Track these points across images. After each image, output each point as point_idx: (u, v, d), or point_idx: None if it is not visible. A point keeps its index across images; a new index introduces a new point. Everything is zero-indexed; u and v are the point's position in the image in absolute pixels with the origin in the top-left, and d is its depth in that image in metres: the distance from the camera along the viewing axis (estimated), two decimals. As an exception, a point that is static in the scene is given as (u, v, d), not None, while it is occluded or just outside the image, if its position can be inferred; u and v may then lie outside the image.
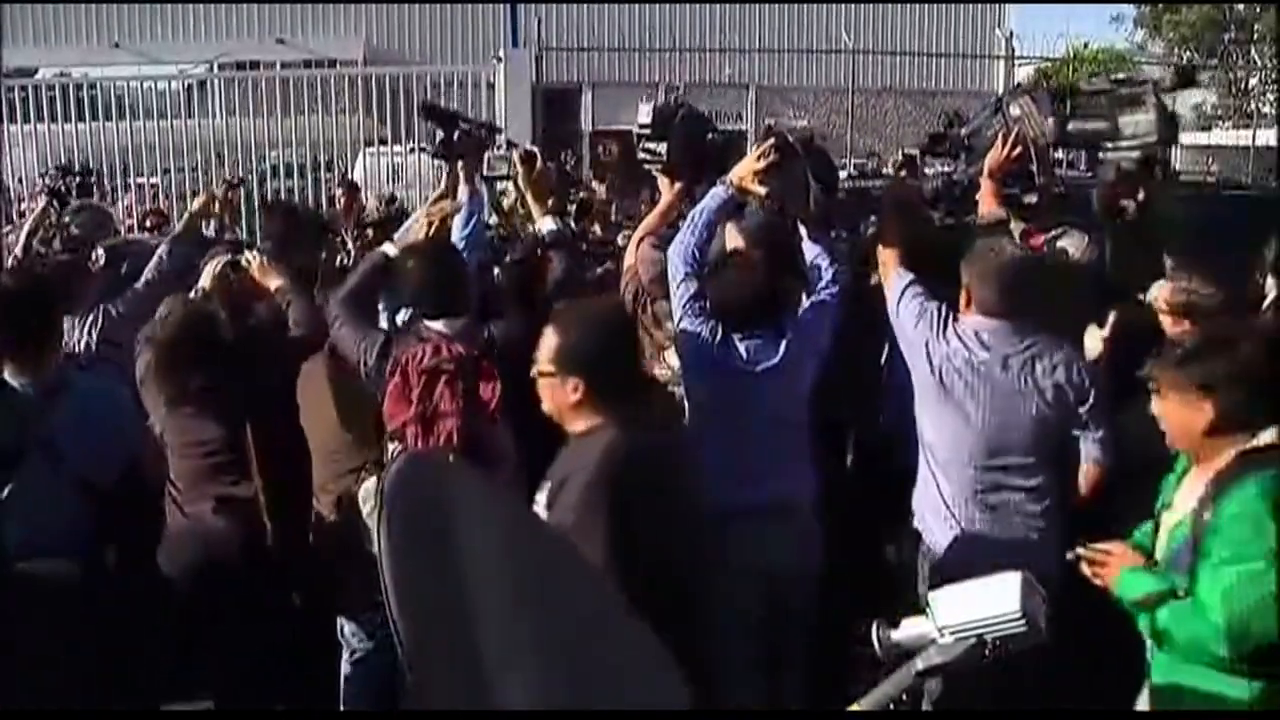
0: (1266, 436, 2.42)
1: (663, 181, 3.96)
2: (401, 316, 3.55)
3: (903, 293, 3.31)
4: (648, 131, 3.84)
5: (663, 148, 3.80)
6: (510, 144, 4.15)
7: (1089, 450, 3.17)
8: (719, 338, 3.28)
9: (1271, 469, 2.34)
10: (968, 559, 3.08)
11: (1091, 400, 3.11)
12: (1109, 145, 3.54)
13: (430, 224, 3.73)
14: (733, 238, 3.70)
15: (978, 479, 3.14)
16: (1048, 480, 3.16)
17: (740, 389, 3.27)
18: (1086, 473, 3.19)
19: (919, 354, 3.22)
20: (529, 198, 3.90)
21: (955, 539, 3.17)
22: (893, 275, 3.36)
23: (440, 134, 4.13)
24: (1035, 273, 3.12)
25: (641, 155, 3.88)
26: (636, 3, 21.00)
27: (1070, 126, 3.67)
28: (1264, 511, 2.29)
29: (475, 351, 3.05)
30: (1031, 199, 3.83)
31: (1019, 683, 2.88)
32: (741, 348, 3.29)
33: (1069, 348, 3.17)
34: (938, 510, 3.21)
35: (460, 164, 4.13)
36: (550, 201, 4.06)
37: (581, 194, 5.99)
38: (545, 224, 3.81)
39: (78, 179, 6.00)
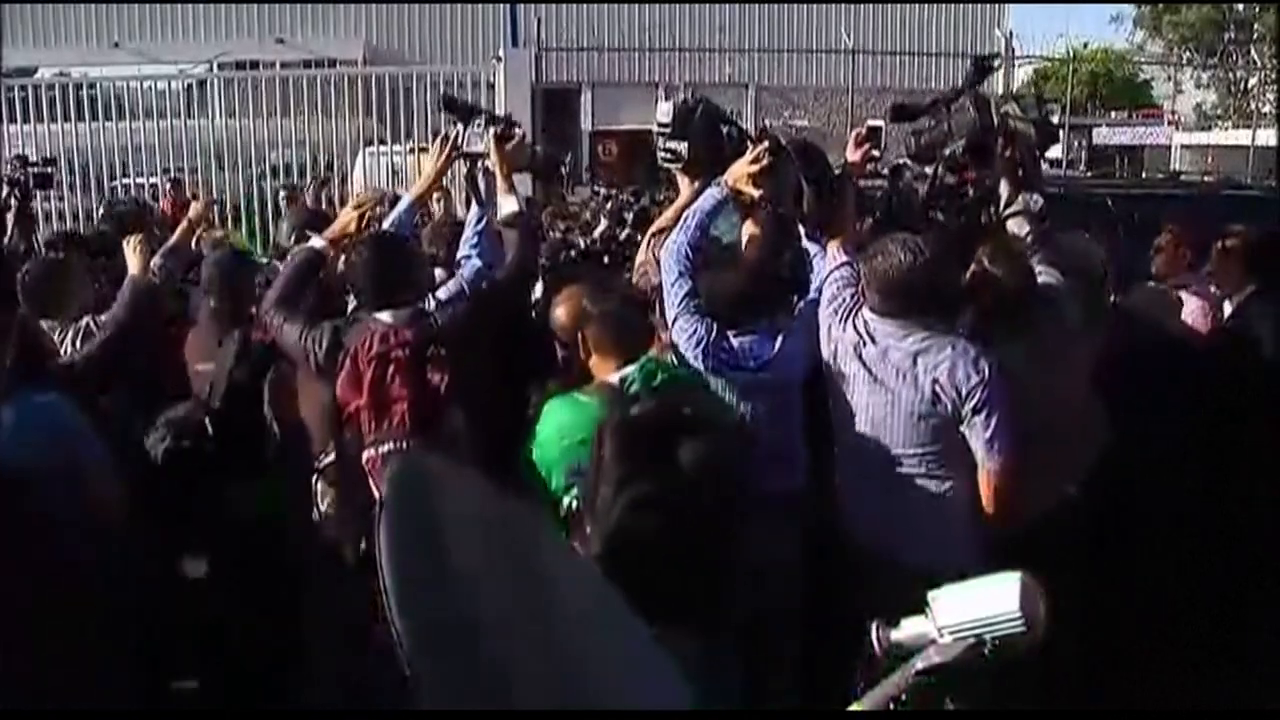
0: (615, 375, 2.94)
1: (682, 180, 3.95)
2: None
3: (830, 273, 3.34)
4: (668, 130, 3.83)
5: (682, 146, 3.79)
6: (490, 119, 4.07)
7: (974, 448, 3.08)
8: (714, 335, 3.28)
9: (573, 394, 2.92)
10: (874, 544, 3.12)
11: (976, 399, 3.03)
12: (946, 147, 3.61)
13: (361, 217, 3.71)
14: (749, 231, 3.70)
15: (871, 465, 3.15)
16: (942, 475, 3.11)
17: (736, 386, 3.27)
18: (980, 473, 3.10)
19: (824, 336, 3.26)
20: (496, 173, 3.78)
21: (861, 524, 3.18)
22: (830, 254, 3.39)
23: (460, 128, 4.07)
24: (919, 275, 3.06)
25: (661, 154, 3.87)
26: (636, 2, 21.03)
27: (923, 140, 3.72)
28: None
29: (423, 338, 3.08)
30: (1019, 206, 3.82)
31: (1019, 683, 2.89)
32: (737, 345, 3.29)
33: (963, 345, 3.09)
34: (842, 491, 3.24)
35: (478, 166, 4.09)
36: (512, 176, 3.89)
37: (641, 203, 5.85)
38: (507, 203, 3.71)
39: (35, 169, 5.87)
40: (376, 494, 2.99)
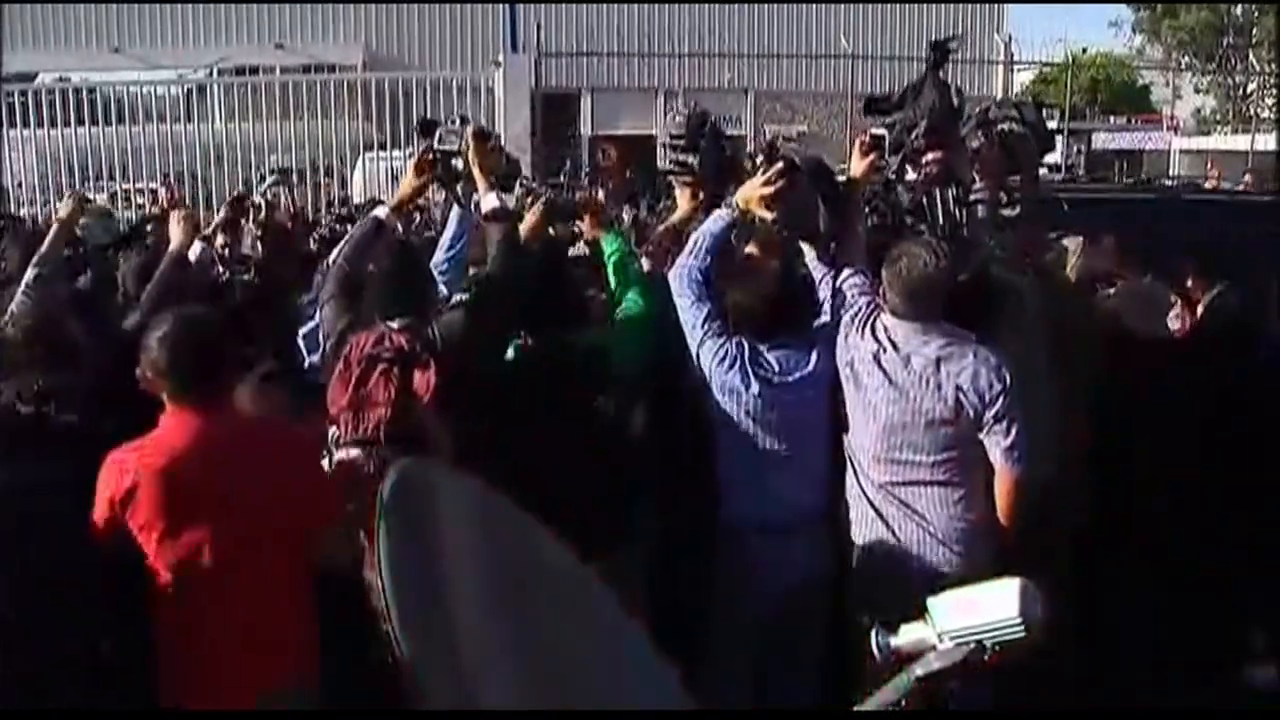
0: None
1: (684, 192, 3.92)
2: None
3: (843, 282, 3.30)
4: (681, 143, 3.80)
5: (693, 159, 3.77)
6: (463, 120, 4.03)
7: (993, 457, 3.07)
8: (747, 353, 3.22)
9: None
10: (882, 551, 3.12)
11: (998, 406, 3.02)
12: (912, 133, 3.58)
13: (419, 173, 3.72)
14: (752, 249, 3.67)
15: (884, 472, 3.13)
16: (958, 482, 3.10)
17: (772, 402, 3.20)
18: (997, 481, 3.09)
19: (841, 344, 3.22)
20: (475, 173, 3.71)
21: (871, 530, 3.17)
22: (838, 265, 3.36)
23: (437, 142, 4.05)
24: (941, 282, 3.06)
25: (670, 166, 3.85)
26: (636, 3, 21.02)
27: (895, 131, 3.69)
28: None
29: (416, 344, 3.06)
30: (1010, 211, 3.80)
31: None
32: (772, 359, 3.23)
33: (984, 352, 3.06)
34: (856, 499, 3.21)
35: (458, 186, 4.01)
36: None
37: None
38: (488, 199, 3.63)
39: None
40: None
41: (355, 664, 2.69)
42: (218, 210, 5.43)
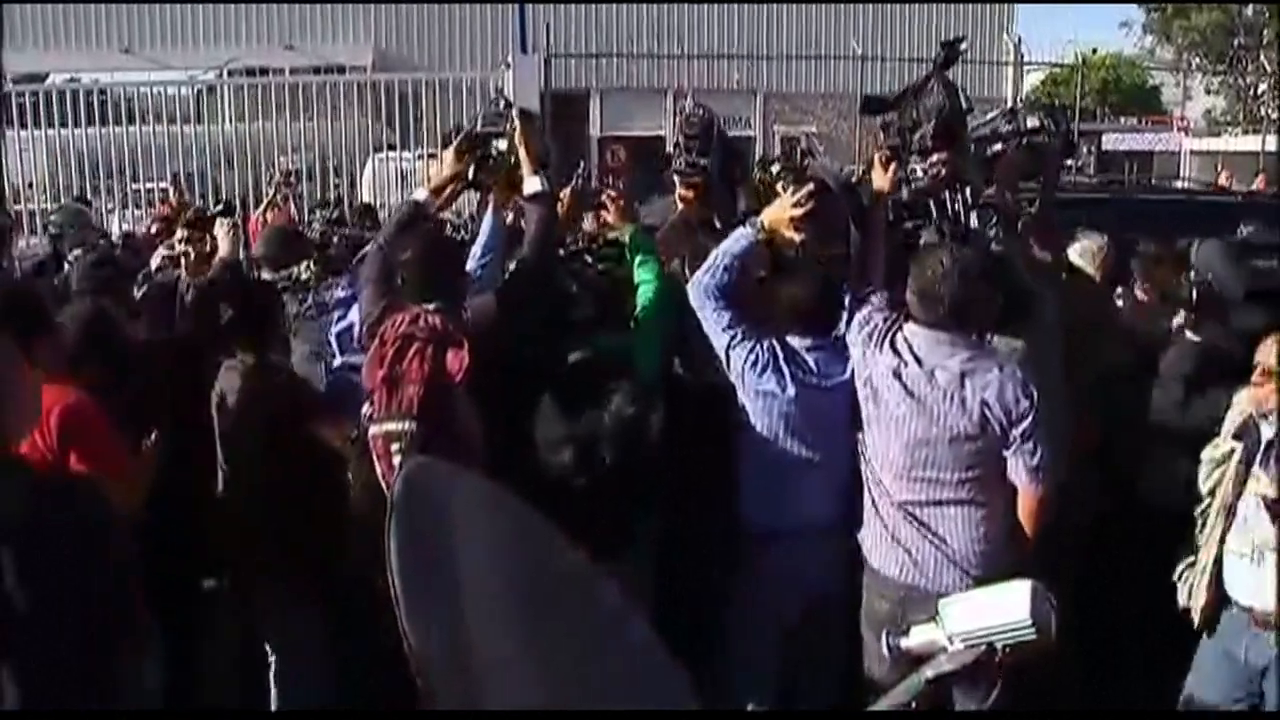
0: None
1: (689, 192, 3.90)
2: None
3: (860, 298, 3.23)
4: (697, 144, 3.79)
5: (704, 161, 3.76)
6: (507, 102, 3.93)
7: (1017, 474, 2.99)
8: (780, 354, 3.18)
9: None
10: (896, 573, 3.06)
11: (1025, 423, 2.94)
12: (916, 132, 3.48)
13: (460, 157, 3.66)
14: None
15: (906, 490, 3.06)
16: (981, 501, 3.03)
17: (808, 404, 3.17)
18: (1021, 499, 3.02)
19: (858, 360, 3.16)
20: (521, 154, 3.63)
21: (886, 552, 3.10)
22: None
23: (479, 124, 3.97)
24: (973, 286, 2.97)
25: (683, 166, 3.84)
26: (645, 4, 21.03)
27: (893, 130, 3.56)
28: None
29: (450, 325, 3.09)
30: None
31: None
32: (810, 360, 3.19)
33: (1010, 366, 3.00)
34: (872, 519, 3.14)
35: (491, 193, 3.90)
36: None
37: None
38: (531, 182, 3.56)
39: None
40: (380, 473, 3.02)
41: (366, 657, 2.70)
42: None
